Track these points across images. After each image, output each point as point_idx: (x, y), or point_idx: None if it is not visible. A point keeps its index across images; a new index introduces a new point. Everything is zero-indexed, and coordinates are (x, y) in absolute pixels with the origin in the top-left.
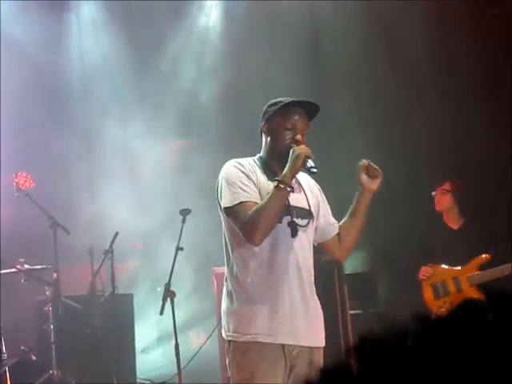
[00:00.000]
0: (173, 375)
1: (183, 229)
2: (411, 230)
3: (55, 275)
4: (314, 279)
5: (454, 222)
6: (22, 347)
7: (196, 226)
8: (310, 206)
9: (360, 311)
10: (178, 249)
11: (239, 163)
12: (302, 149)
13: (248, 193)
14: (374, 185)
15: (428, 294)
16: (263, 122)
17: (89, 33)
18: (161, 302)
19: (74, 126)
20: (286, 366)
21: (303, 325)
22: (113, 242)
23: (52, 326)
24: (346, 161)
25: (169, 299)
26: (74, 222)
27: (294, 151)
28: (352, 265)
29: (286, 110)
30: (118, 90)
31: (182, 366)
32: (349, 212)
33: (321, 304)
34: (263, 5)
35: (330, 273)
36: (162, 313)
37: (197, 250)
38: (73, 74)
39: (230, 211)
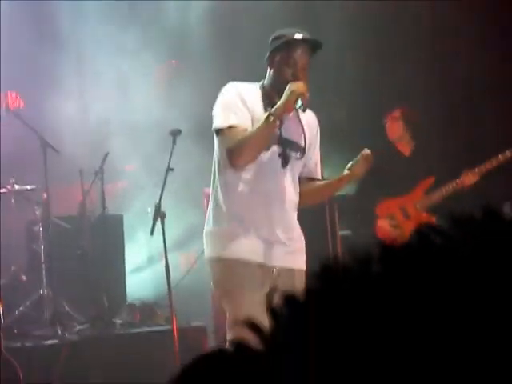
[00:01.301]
0: (163, 295)
1: (174, 149)
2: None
3: (45, 195)
4: None
5: (406, 148)
6: (13, 267)
7: (186, 147)
8: (305, 143)
9: (350, 232)
10: (169, 169)
11: (236, 88)
12: (297, 85)
13: (239, 117)
14: (355, 176)
15: (381, 231)
16: (268, 54)
17: None
18: (151, 223)
19: (63, 43)
20: (265, 285)
21: (282, 248)
22: (103, 162)
23: (42, 247)
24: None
25: (159, 219)
26: (65, 141)
27: (289, 87)
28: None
29: (289, 45)
30: (107, 8)
31: (172, 286)
32: (324, 182)
33: (310, 225)
34: None
35: None
36: (152, 233)
37: (187, 171)
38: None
39: (219, 132)
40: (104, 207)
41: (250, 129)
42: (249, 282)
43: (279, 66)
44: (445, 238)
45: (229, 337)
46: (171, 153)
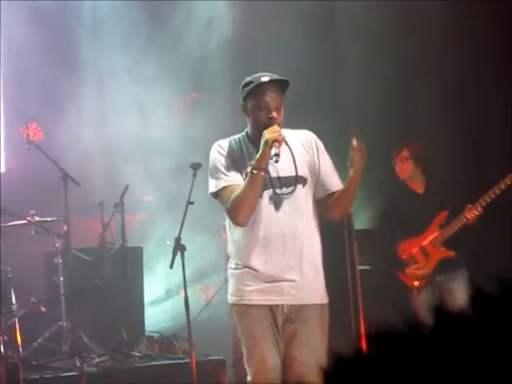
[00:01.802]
0: (182, 328)
1: (194, 183)
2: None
3: (65, 227)
4: (322, 235)
5: (418, 186)
6: (32, 299)
7: (206, 180)
8: (296, 171)
9: (369, 267)
10: (189, 203)
11: (220, 146)
12: (270, 132)
13: (229, 176)
14: (357, 168)
15: (409, 277)
16: (241, 102)
17: None
18: (171, 256)
19: (83, 73)
20: (276, 321)
21: (290, 286)
22: (123, 194)
23: (62, 278)
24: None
25: (179, 252)
26: (85, 174)
27: (263, 136)
28: (362, 220)
29: (257, 89)
30: (128, 38)
31: (190, 319)
32: (341, 190)
33: (329, 259)
34: None
35: (340, 228)
36: (172, 266)
37: (207, 204)
38: (81, 18)
39: (215, 196)
40: (124, 239)
41: (241, 182)
42: (260, 324)
43: (253, 112)
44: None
45: (248, 378)
46: (191, 186)
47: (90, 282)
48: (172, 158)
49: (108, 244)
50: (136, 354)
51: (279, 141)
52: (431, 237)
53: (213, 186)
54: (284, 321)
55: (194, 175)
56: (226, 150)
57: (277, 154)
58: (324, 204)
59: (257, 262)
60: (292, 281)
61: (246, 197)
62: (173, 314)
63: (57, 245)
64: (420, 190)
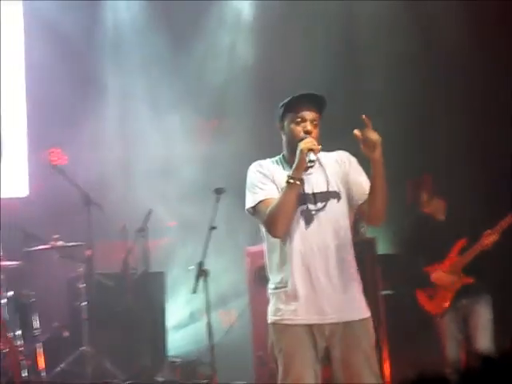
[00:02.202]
0: (205, 353)
1: (217, 208)
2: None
3: (89, 252)
4: None
5: (436, 213)
6: (55, 323)
7: (230, 205)
8: (328, 188)
9: (392, 292)
10: (212, 228)
11: (259, 165)
12: (305, 143)
13: (266, 192)
14: (373, 153)
15: (422, 298)
16: (277, 123)
17: (122, 5)
18: (193, 281)
19: (106, 98)
20: (316, 345)
21: (329, 303)
22: (146, 219)
23: (85, 303)
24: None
25: (202, 278)
26: (108, 198)
27: (298, 147)
28: (385, 245)
29: (292, 105)
30: (150, 61)
31: (213, 344)
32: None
33: None
34: None
35: (362, 253)
36: (195, 291)
37: (230, 229)
38: (104, 42)
39: (253, 212)
40: (147, 264)
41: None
42: (298, 343)
43: (289, 128)
44: None
45: None
46: (215, 211)
47: (112, 307)
48: (195, 182)
49: (131, 269)
50: (159, 379)
51: (314, 150)
52: (450, 263)
53: (250, 200)
54: (327, 345)
55: (217, 200)
56: (265, 168)
57: (312, 161)
58: (362, 212)
59: (295, 280)
60: (334, 297)
61: (283, 207)
62: (195, 339)
63: (80, 269)
64: (438, 215)
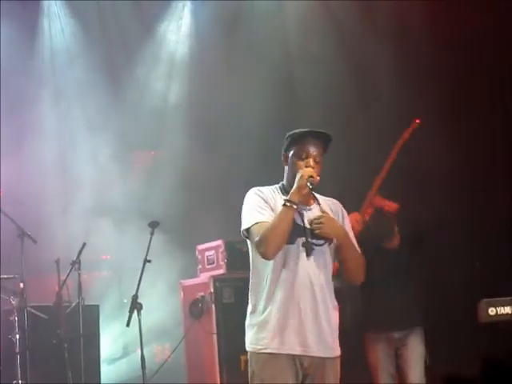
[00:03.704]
0: None
1: (151, 241)
2: None
3: (22, 285)
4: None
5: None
6: None
7: (164, 239)
8: None
9: None
10: (146, 261)
11: (259, 190)
12: (305, 171)
13: (263, 214)
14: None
15: None
16: (282, 153)
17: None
18: (128, 314)
19: (45, 132)
20: (298, 375)
21: (313, 337)
22: (80, 252)
23: (17, 336)
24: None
25: (135, 311)
26: (42, 231)
27: (298, 174)
28: None
29: (299, 140)
30: (89, 89)
31: (147, 378)
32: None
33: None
34: (234, 29)
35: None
36: (128, 324)
37: (164, 262)
38: (41, 69)
39: (247, 232)
40: (80, 297)
41: None
42: (282, 375)
43: (292, 161)
44: None
45: None
46: (149, 244)
47: (46, 340)
48: (130, 216)
49: (64, 302)
50: None
51: (314, 177)
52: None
53: (246, 222)
54: (303, 375)
55: (152, 233)
56: (265, 194)
57: (312, 184)
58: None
59: (284, 310)
60: (317, 332)
61: (278, 228)
62: (129, 373)
63: (13, 302)
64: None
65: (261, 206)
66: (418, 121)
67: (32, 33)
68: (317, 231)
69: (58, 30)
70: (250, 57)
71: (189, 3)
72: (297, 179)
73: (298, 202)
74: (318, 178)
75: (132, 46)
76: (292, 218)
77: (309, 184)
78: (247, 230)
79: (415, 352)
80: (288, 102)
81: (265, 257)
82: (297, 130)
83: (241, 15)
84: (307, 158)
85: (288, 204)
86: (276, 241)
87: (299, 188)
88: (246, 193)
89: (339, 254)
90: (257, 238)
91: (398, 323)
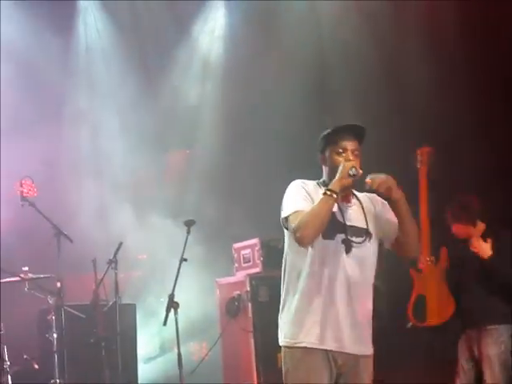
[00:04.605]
0: None
1: (187, 240)
2: None
3: (59, 284)
4: None
5: None
6: (25, 356)
7: (200, 237)
8: (367, 225)
9: None
10: (182, 260)
11: (303, 182)
12: (347, 162)
13: (305, 204)
14: (391, 195)
15: None
16: (319, 155)
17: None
18: (164, 313)
19: (80, 131)
20: (332, 373)
21: (348, 334)
22: (117, 251)
23: (55, 335)
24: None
25: (172, 310)
26: (79, 231)
27: (341, 165)
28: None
29: (333, 137)
30: (123, 106)
31: (184, 376)
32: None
33: None
34: (267, 29)
35: None
36: (165, 323)
37: (201, 261)
38: (75, 69)
39: (286, 220)
40: (117, 296)
41: None
42: (317, 372)
43: (331, 158)
44: None
45: None
46: (185, 243)
47: (83, 339)
48: (166, 215)
49: (101, 301)
50: None
51: (356, 167)
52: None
53: (287, 209)
54: (337, 373)
55: (188, 232)
56: (306, 186)
57: (354, 175)
58: (397, 248)
59: (320, 305)
60: (352, 329)
61: (316, 215)
62: (166, 371)
63: (50, 302)
64: None
65: (303, 198)
66: (427, 149)
67: (67, 31)
68: (379, 186)
69: (92, 29)
70: (283, 57)
71: (223, 3)
72: (339, 170)
73: (338, 192)
74: (361, 171)
75: (166, 45)
76: (331, 207)
77: (351, 172)
78: (286, 218)
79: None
80: (320, 102)
81: (301, 242)
82: (329, 129)
83: (274, 14)
84: (345, 152)
85: (328, 193)
86: (313, 227)
87: (341, 178)
88: (282, 191)
89: (400, 227)
90: (294, 224)
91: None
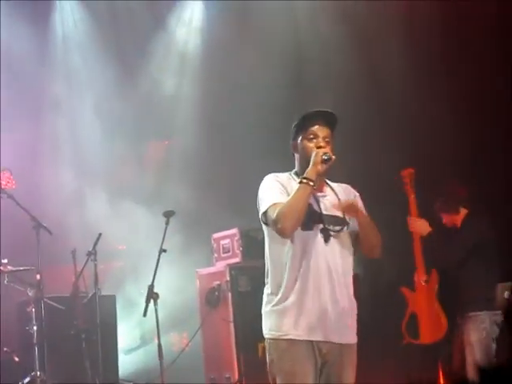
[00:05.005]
0: (155, 376)
1: (166, 230)
2: None
3: (38, 276)
4: None
5: None
6: (5, 348)
7: (179, 228)
8: (344, 214)
9: None
10: (162, 250)
11: (276, 175)
12: (319, 149)
13: (281, 197)
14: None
15: None
16: (290, 143)
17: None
18: (144, 304)
19: (58, 122)
20: (317, 363)
21: (332, 323)
22: (96, 243)
23: (35, 328)
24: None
25: (152, 300)
26: (57, 223)
27: (313, 152)
28: None
29: (304, 124)
30: (100, 96)
31: (164, 367)
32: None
33: None
34: (244, 17)
35: None
36: (145, 314)
37: (180, 252)
38: (55, 65)
39: (265, 214)
40: (97, 288)
41: None
42: (302, 363)
43: (302, 144)
44: None
45: None
46: (164, 234)
47: (63, 331)
48: (145, 205)
49: (81, 293)
50: None
51: (329, 152)
52: None
53: (265, 203)
54: (322, 362)
55: (167, 223)
56: (280, 178)
57: (329, 159)
58: (359, 244)
59: (303, 296)
60: (337, 318)
61: (294, 205)
62: (147, 362)
63: (30, 294)
64: None
65: (278, 190)
66: (411, 170)
67: (43, 21)
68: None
69: (69, 18)
70: (261, 49)
71: None
72: (312, 157)
73: (314, 179)
74: (334, 156)
75: (143, 35)
76: (309, 195)
77: (325, 157)
78: (265, 212)
79: None
80: (298, 93)
81: (282, 233)
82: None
83: (252, 6)
84: (316, 138)
85: (304, 181)
86: (293, 216)
87: (315, 164)
88: (260, 181)
89: (360, 231)
90: (274, 216)
91: None
